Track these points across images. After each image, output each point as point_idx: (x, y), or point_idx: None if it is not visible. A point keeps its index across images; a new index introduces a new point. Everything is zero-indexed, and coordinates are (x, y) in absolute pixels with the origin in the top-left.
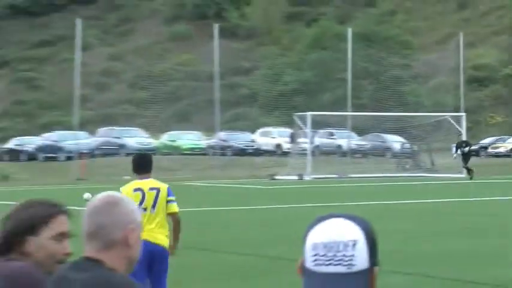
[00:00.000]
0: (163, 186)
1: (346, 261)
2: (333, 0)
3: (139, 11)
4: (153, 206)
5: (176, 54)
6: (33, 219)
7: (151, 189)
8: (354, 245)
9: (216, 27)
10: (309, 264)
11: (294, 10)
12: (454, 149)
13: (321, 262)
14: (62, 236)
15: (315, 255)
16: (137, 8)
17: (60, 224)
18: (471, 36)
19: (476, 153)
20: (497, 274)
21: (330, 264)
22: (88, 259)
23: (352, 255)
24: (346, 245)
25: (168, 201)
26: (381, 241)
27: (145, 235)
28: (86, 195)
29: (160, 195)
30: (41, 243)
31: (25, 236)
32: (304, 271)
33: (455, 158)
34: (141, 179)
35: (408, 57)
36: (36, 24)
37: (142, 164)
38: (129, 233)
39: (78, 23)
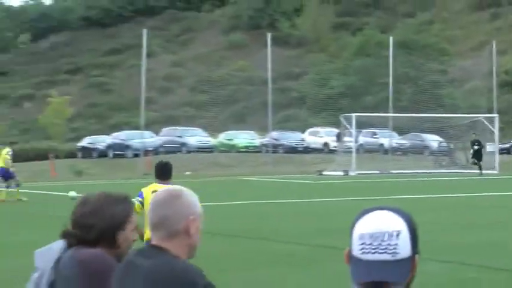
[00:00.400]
0: None
1: (391, 249)
2: (376, 12)
3: (199, 22)
4: None
5: (233, 61)
6: (122, 216)
7: None
8: (398, 235)
9: (269, 36)
10: (356, 252)
11: (341, 20)
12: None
13: (367, 250)
14: (136, 227)
15: (362, 244)
16: (197, 19)
17: (135, 217)
18: (503, 43)
19: (508, 151)
20: None
21: (375, 252)
22: (154, 247)
23: (396, 244)
24: (390, 235)
25: None
26: (420, 231)
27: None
28: (72, 193)
29: None
30: (126, 236)
31: (116, 231)
32: (351, 259)
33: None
34: (160, 183)
35: (445, 63)
36: (107, 34)
37: (164, 171)
38: (190, 223)
39: (144, 33)
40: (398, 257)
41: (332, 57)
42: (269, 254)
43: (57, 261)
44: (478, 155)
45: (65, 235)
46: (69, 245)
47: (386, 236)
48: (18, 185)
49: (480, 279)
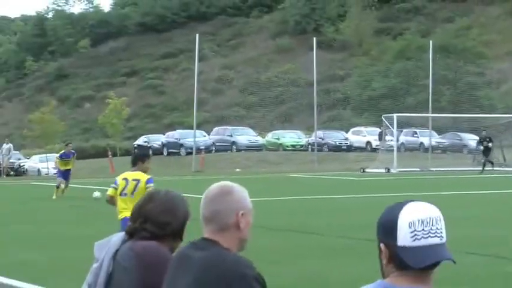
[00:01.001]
0: (144, 178)
1: (440, 233)
2: (416, 17)
3: (249, 27)
4: (132, 193)
5: (280, 64)
6: (188, 213)
7: (134, 179)
8: (441, 219)
9: (314, 41)
10: (405, 241)
11: (382, 26)
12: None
13: (419, 236)
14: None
15: (413, 231)
16: (247, 24)
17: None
18: None
19: None
20: None
21: (428, 237)
22: (206, 239)
23: (441, 228)
24: (437, 220)
25: (147, 188)
26: (461, 226)
27: (125, 213)
28: (96, 194)
29: (139, 185)
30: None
31: (183, 229)
32: (398, 250)
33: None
34: (131, 170)
35: (482, 66)
36: (162, 39)
37: (132, 160)
38: (240, 218)
39: (197, 37)
40: (444, 240)
41: (374, 60)
42: (318, 248)
43: (116, 253)
44: (487, 152)
45: (134, 229)
46: (136, 238)
47: (434, 220)
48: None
49: None
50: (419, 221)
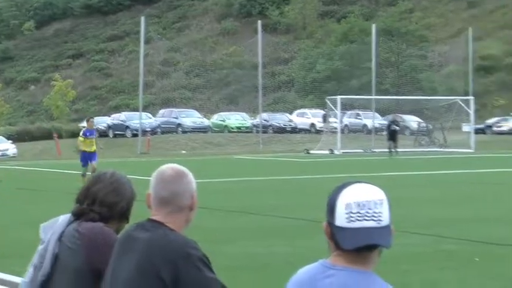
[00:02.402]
0: None
1: (376, 217)
2: (359, 0)
3: (194, 9)
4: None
5: (225, 46)
6: (134, 195)
7: None
8: (381, 203)
9: (259, 23)
10: (341, 222)
11: (326, 9)
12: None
13: (354, 219)
14: None
15: (349, 213)
16: (192, 7)
17: None
18: (479, 30)
19: (483, 131)
20: (500, 234)
21: (363, 220)
22: (152, 221)
23: (381, 212)
24: (376, 203)
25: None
26: (399, 206)
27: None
28: None
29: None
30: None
31: (130, 210)
32: (335, 229)
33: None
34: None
35: (424, 49)
36: (107, 21)
37: None
38: (195, 199)
39: (142, 20)
40: (382, 224)
41: (318, 43)
42: (261, 228)
43: (62, 234)
44: (394, 136)
45: (82, 210)
46: (84, 219)
47: (372, 204)
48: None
49: (457, 250)
50: (355, 203)
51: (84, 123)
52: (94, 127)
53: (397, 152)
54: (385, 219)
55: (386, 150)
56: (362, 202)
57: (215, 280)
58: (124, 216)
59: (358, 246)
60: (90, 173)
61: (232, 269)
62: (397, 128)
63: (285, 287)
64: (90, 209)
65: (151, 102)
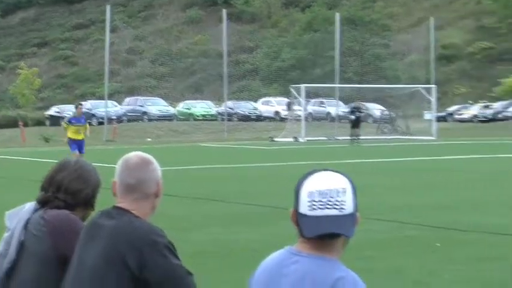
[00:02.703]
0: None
1: (338, 205)
2: None
3: None
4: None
5: (191, 35)
6: (100, 183)
7: None
8: (344, 192)
9: (224, 12)
10: (304, 209)
11: None
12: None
13: (316, 207)
14: None
15: (311, 201)
16: None
17: None
18: (440, 20)
19: (444, 118)
20: (460, 220)
21: (324, 208)
22: (117, 208)
23: (343, 201)
24: (338, 192)
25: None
26: (362, 193)
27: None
28: None
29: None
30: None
31: (95, 195)
32: (299, 216)
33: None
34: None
35: (387, 37)
36: (73, 10)
37: None
38: (160, 186)
39: (108, 9)
40: (345, 212)
41: (282, 32)
42: (226, 215)
43: (27, 221)
44: (357, 123)
45: (47, 198)
46: (48, 207)
47: (335, 192)
48: None
49: (419, 236)
50: (318, 192)
51: (50, 111)
52: (82, 114)
53: (358, 139)
54: (348, 207)
55: (349, 137)
56: (324, 191)
57: (180, 266)
58: (89, 203)
59: (319, 234)
60: None
61: (197, 256)
62: (361, 114)
63: (253, 273)
64: (55, 197)
65: (117, 91)
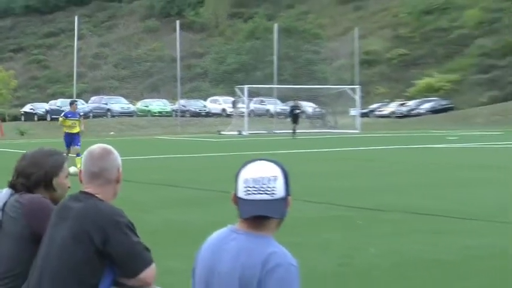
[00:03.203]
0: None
1: (270, 191)
2: (263, 3)
3: (121, 10)
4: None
5: (148, 42)
6: (56, 166)
7: None
8: (275, 179)
9: (177, 23)
10: (241, 194)
11: (235, 10)
12: (290, 110)
13: (250, 192)
14: (68, 175)
15: (246, 187)
16: (119, 8)
17: (67, 167)
18: (363, 30)
19: (367, 114)
20: (381, 202)
21: (257, 193)
22: (84, 193)
23: (274, 187)
24: (269, 179)
25: None
26: (298, 179)
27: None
28: (72, 169)
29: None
30: (60, 181)
31: (52, 178)
32: (237, 200)
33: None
34: None
35: (318, 45)
36: (45, 20)
37: None
38: (120, 173)
39: (76, 19)
40: (276, 196)
41: (228, 40)
42: (180, 198)
43: (4, 204)
44: (296, 119)
45: (12, 184)
46: (16, 191)
47: (266, 180)
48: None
49: (343, 215)
50: (252, 179)
51: (25, 108)
52: (77, 110)
53: (294, 133)
54: (279, 193)
55: (288, 131)
56: (257, 178)
57: (139, 243)
58: (48, 186)
59: (252, 216)
60: (73, 155)
61: (154, 234)
62: (299, 111)
63: (200, 247)
64: (16, 182)
65: (84, 91)
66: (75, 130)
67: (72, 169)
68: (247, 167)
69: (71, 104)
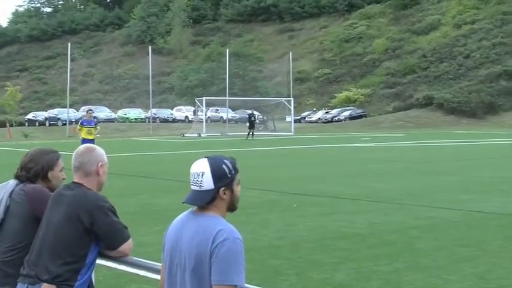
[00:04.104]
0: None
1: (199, 184)
2: (218, 33)
3: (105, 38)
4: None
5: (127, 64)
6: (51, 161)
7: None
8: (203, 174)
9: (150, 48)
10: (191, 184)
11: (196, 39)
12: (248, 118)
13: (192, 183)
14: (62, 169)
15: (191, 179)
16: (103, 37)
17: (61, 162)
18: (296, 54)
19: (299, 120)
20: (311, 189)
21: (193, 184)
22: (75, 183)
23: (202, 181)
24: (198, 174)
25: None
26: (244, 171)
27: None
28: None
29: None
30: (55, 174)
31: (48, 171)
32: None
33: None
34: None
35: (260, 66)
36: (45, 46)
37: None
38: (99, 167)
39: (69, 46)
40: (203, 188)
41: (190, 61)
42: (151, 186)
43: (11, 192)
44: (252, 124)
45: (17, 176)
46: (20, 182)
47: (196, 175)
48: None
49: (281, 200)
50: (192, 173)
51: (29, 116)
52: (92, 118)
53: (253, 135)
54: (206, 185)
55: (239, 133)
56: (194, 173)
57: (119, 223)
58: (45, 177)
59: (187, 202)
60: None
61: (131, 215)
62: (254, 119)
63: (167, 227)
64: (20, 174)
65: (76, 102)
66: (91, 136)
67: None
68: (193, 164)
69: (87, 112)
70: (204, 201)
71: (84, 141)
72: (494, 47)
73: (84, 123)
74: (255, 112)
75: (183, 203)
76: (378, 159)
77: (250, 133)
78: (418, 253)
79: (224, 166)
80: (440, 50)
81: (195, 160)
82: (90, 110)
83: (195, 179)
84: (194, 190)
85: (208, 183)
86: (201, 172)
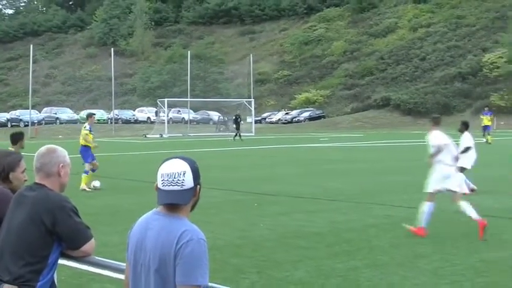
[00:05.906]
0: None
1: (180, 183)
2: (180, 35)
3: (67, 40)
4: None
5: (89, 65)
6: (13, 163)
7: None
8: (184, 173)
9: (112, 50)
10: (159, 185)
11: (157, 40)
12: (233, 120)
13: (165, 184)
14: (24, 170)
15: (162, 179)
16: (66, 38)
17: (23, 164)
18: (257, 56)
19: (260, 121)
20: (270, 189)
21: (170, 185)
22: (37, 184)
23: (183, 180)
24: (179, 174)
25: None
26: (207, 171)
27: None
28: (97, 183)
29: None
30: (16, 176)
31: (9, 173)
32: (157, 189)
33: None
34: (11, 147)
35: (222, 67)
36: (6, 48)
37: (11, 139)
38: (61, 168)
39: (31, 47)
40: (185, 187)
41: (152, 63)
42: (113, 187)
43: None
44: (238, 125)
45: None
46: None
47: (177, 174)
48: (93, 170)
49: (243, 199)
50: (166, 173)
51: None
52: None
53: (240, 135)
54: (188, 184)
55: (199, 134)
56: (170, 173)
57: (81, 223)
58: (5, 178)
59: (163, 204)
60: (89, 169)
61: (94, 215)
62: (240, 120)
63: (131, 227)
64: None
65: (38, 103)
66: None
67: (97, 183)
68: (163, 164)
69: (90, 116)
70: (186, 200)
71: (89, 149)
72: (449, 49)
73: (91, 130)
74: (240, 114)
75: (163, 204)
76: (336, 159)
77: (237, 134)
78: (376, 251)
79: (196, 164)
80: (397, 52)
81: (164, 161)
82: (94, 114)
83: (175, 179)
84: (174, 190)
85: (189, 181)
86: (182, 171)
